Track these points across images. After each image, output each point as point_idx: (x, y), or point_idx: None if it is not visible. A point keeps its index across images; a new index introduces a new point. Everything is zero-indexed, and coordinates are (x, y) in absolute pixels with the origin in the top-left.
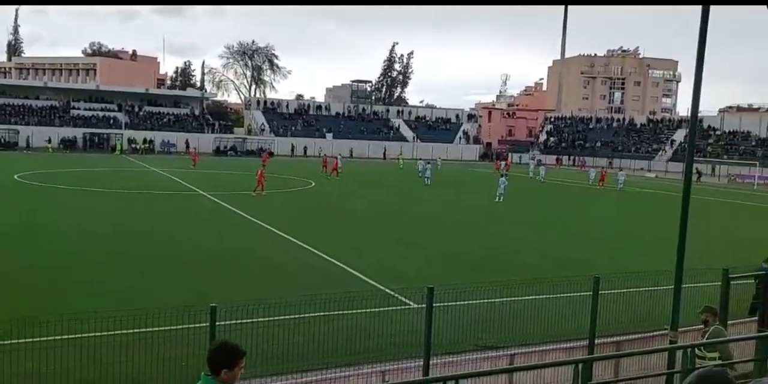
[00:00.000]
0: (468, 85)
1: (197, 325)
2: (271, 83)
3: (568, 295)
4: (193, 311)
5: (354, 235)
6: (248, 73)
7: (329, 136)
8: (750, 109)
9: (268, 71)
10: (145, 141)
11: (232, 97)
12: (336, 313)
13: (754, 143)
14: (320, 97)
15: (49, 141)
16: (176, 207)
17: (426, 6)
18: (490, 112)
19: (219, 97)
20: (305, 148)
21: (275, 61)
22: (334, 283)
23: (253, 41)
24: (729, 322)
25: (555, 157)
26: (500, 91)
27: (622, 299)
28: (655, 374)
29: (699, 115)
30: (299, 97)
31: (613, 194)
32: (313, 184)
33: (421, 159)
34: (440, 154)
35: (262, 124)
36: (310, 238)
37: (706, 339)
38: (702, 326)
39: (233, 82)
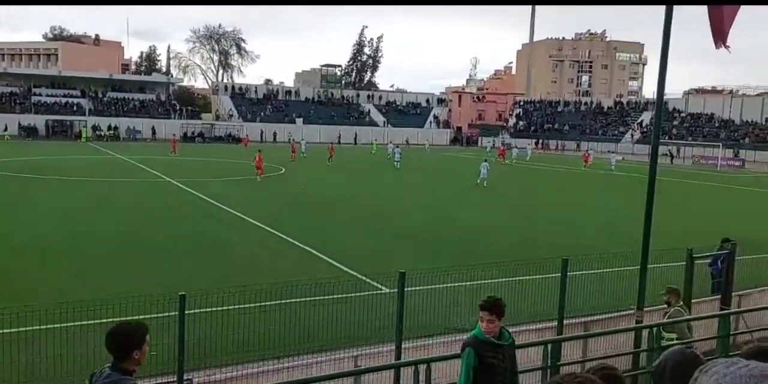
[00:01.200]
0: (438, 69)
1: (166, 314)
2: (239, 68)
3: (539, 276)
4: (162, 300)
5: (324, 222)
6: (215, 58)
7: (299, 121)
8: (714, 92)
9: (236, 56)
10: (110, 128)
11: (199, 82)
12: (308, 299)
13: (717, 125)
14: (289, 82)
15: (6, 129)
16: (146, 195)
17: None
18: (460, 96)
19: (185, 83)
20: (275, 134)
21: (243, 45)
22: (306, 270)
23: (219, 25)
24: (693, 300)
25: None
26: (470, 75)
27: (590, 280)
28: (623, 353)
29: (664, 97)
30: (268, 82)
31: (598, 177)
32: (283, 170)
33: (391, 142)
34: (411, 138)
35: (230, 109)
36: (281, 224)
37: (666, 319)
38: (665, 307)
39: (200, 66)
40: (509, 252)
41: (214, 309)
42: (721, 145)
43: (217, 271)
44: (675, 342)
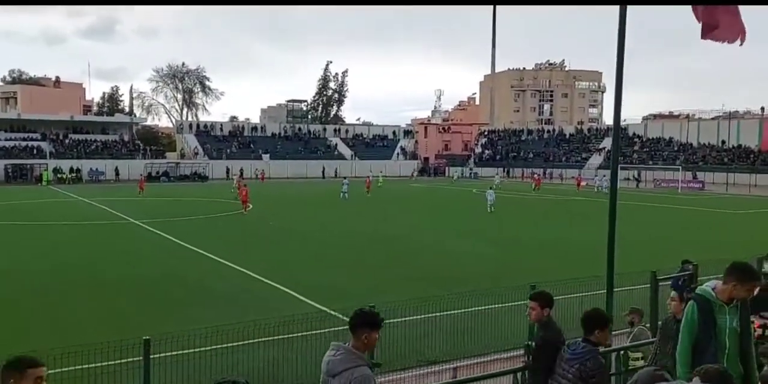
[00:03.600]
0: (403, 102)
1: (131, 360)
2: (204, 105)
3: (508, 304)
4: (126, 345)
5: (291, 257)
6: (179, 96)
7: (266, 157)
8: (671, 117)
9: (200, 93)
10: (71, 170)
11: (163, 121)
12: (278, 337)
13: (676, 149)
14: (255, 118)
15: None
16: (110, 238)
17: (359, 24)
18: (426, 128)
19: (149, 122)
20: (241, 170)
21: (207, 82)
22: (275, 307)
23: (183, 63)
24: (659, 321)
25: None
26: (435, 107)
27: (559, 305)
28: None
29: (624, 123)
30: (233, 118)
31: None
32: (251, 206)
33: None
34: (381, 170)
35: (196, 147)
36: (249, 262)
37: (630, 339)
38: (629, 328)
39: (164, 105)
40: (483, 279)
41: (180, 352)
42: (680, 168)
43: (184, 312)
44: (641, 365)
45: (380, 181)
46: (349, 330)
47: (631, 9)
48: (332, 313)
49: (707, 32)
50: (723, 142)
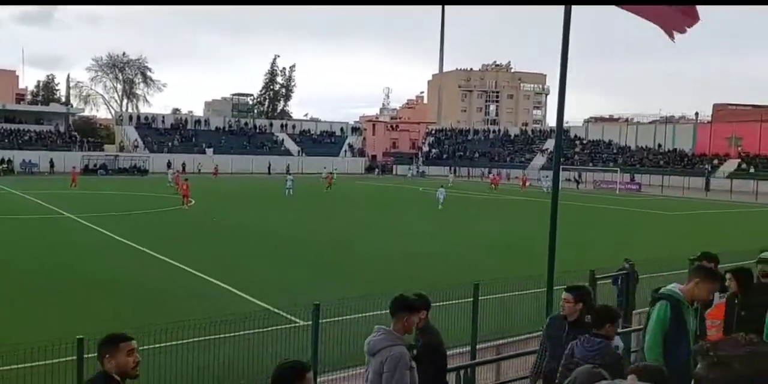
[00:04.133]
0: (352, 98)
1: (63, 360)
2: (145, 97)
3: (451, 302)
4: (58, 344)
5: (237, 253)
6: (119, 87)
7: (209, 151)
8: (611, 120)
9: (141, 84)
10: (2, 161)
11: (102, 112)
12: (219, 336)
13: (615, 151)
14: (199, 111)
15: None
16: (41, 232)
17: (308, 18)
18: (374, 125)
19: (87, 113)
20: (183, 165)
21: (149, 73)
22: (217, 305)
23: (124, 53)
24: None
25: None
26: (383, 104)
27: (502, 303)
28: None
29: (566, 125)
30: (176, 111)
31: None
32: (194, 202)
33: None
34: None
35: (136, 140)
36: (190, 258)
37: None
38: None
39: (102, 96)
40: (430, 277)
41: None
42: (618, 170)
43: (119, 311)
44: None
45: (325, 177)
46: (389, 313)
47: (575, 14)
48: (275, 310)
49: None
50: (659, 145)
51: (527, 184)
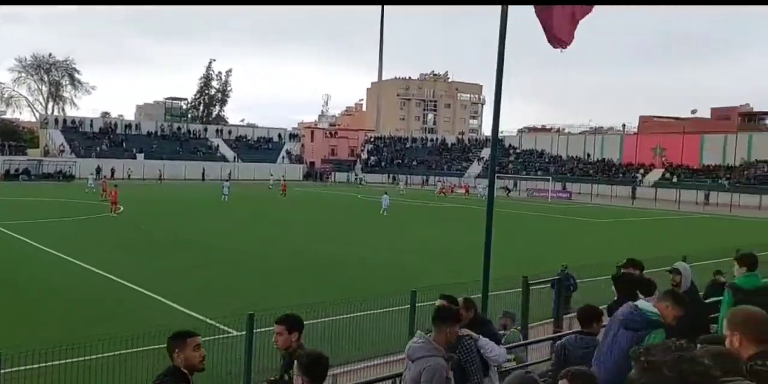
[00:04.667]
0: (290, 105)
1: None
2: (72, 100)
3: (388, 309)
4: None
5: (166, 263)
6: (44, 89)
7: (140, 156)
8: (544, 130)
9: (69, 87)
10: None
11: (26, 115)
12: (148, 348)
13: (547, 160)
14: (130, 115)
15: None
16: None
17: (245, 24)
18: (312, 132)
19: (9, 115)
20: (112, 170)
21: (76, 75)
22: (147, 316)
23: (50, 54)
24: (530, 324)
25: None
26: (322, 111)
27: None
28: None
29: (501, 135)
30: (105, 114)
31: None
32: (122, 208)
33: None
34: (263, 175)
35: (62, 144)
36: (117, 268)
37: (504, 343)
38: (502, 331)
39: (26, 98)
40: (368, 284)
41: (32, 367)
42: (550, 178)
43: (47, 322)
44: (514, 366)
45: (272, 184)
46: (431, 322)
47: (512, 26)
48: (209, 321)
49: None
50: (588, 155)
51: (469, 191)
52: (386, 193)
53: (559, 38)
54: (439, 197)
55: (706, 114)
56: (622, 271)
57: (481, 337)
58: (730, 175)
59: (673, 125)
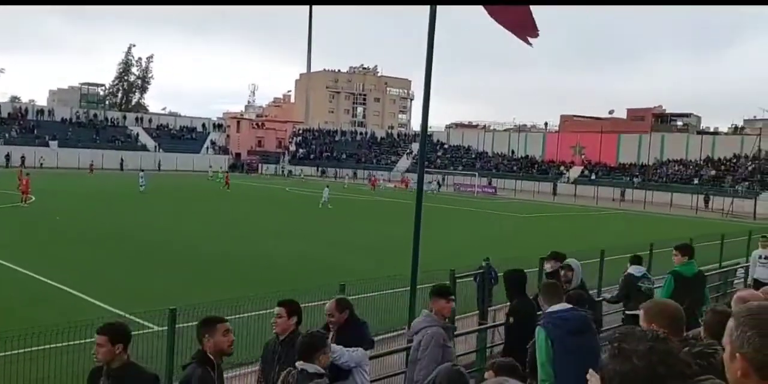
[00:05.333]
0: (215, 94)
1: None
2: None
3: (316, 303)
4: None
5: (82, 257)
6: None
7: (53, 144)
8: (470, 126)
9: None
10: None
11: None
12: (65, 344)
13: (473, 156)
14: (42, 101)
15: None
16: None
17: (168, 9)
18: (238, 122)
19: None
20: (23, 158)
21: None
22: (63, 312)
23: None
24: (456, 317)
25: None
26: (249, 102)
27: (365, 303)
28: (398, 373)
29: (429, 130)
30: (15, 99)
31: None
32: (33, 198)
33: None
34: (186, 165)
35: None
36: (29, 260)
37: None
38: None
39: None
40: (296, 279)
41: None
42: (476, 174)
43: None
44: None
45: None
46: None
47: (441, 23)
48: (128, 316)
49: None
50: (513, 152)
51: (408, 185)
52: (327, 186)
53: (524, 33)
54: (375, 191)
55: (622, 114)
56: (546, 263)
57: (333, 345)
58: (644, 173)
59: (592, 124)
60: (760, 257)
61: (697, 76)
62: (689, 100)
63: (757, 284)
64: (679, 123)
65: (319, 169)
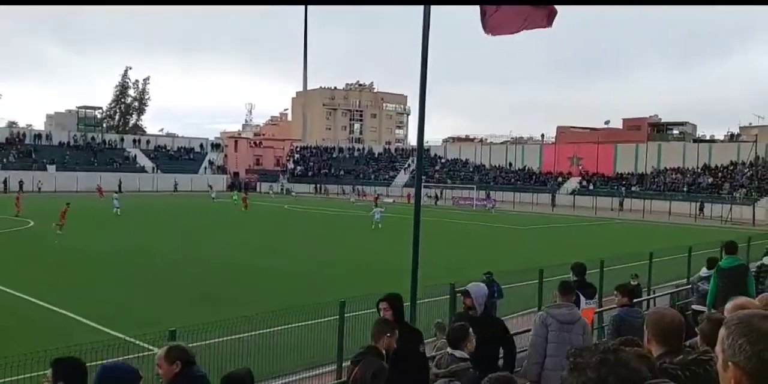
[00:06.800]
0: (213, 114)
1: None
2: None
3: (317, 321)
4: None
5: (84, 281)
6: None
7: (51, 168)
8: (467, 140)
9: None
10: None
11: None
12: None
13: (471, 170)
14: (39, 125)
15: None
16: None
17: (164, 31)
18: (236, 142)
19: None
20: (21, 183)
21: None
22: (62, 336)
23: None
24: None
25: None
26: (246, 121)
27: (364, 319)
28: None
29: (426, 144)
30: (12, 124)
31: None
32: (32, 223)
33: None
34: (185, 186)
35: None
36: (33, 287)
37: (435, 352)
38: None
39: None
40: (296, 296)
41: None
42: (475, 187)
43: None
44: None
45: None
46: None
47: (435, 39)
48: (129, 339)
49: (493, 28)
50: (510, 164)
51: (411, 199)
52: (377, 206)
53: (494, 25)
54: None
55: (618, 124)
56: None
57: None
58: (642, 182)
59: (588, 135)
60: None
61: (691, 85)
62: (684, 109)
63: None
64: (675, 131)
65: (316, 186)
